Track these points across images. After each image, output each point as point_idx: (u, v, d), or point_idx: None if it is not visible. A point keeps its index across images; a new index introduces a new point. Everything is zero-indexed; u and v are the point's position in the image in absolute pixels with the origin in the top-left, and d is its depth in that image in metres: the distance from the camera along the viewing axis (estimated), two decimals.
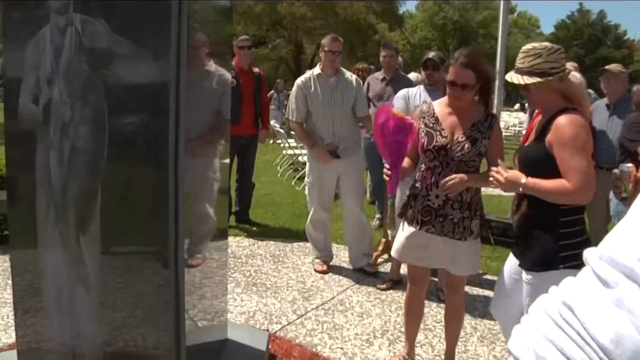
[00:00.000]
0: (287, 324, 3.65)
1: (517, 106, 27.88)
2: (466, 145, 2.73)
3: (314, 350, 3.33)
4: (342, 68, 4.66)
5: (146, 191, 2.03)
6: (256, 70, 6.06)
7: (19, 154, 2.28)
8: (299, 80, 4.67)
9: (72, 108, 2.08)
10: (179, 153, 1.96)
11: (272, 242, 5.55)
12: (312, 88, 4.53)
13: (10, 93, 2.25)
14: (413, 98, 4.20)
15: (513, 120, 18.26)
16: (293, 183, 8.67)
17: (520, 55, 2.36)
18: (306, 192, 4.93)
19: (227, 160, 3.01)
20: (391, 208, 3.32)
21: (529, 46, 2.38)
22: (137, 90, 1.99)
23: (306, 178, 4.90)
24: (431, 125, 2.83)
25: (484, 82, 2.75)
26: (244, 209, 6.19)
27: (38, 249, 2.27)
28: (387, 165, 2.85)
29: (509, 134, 16.90)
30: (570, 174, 2.20)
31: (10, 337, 3.11)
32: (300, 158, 9.15)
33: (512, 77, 2.37)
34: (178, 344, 2.07)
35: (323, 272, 4.67)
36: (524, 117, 19.49)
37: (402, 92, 4.32)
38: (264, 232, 5.92)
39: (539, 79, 2.29)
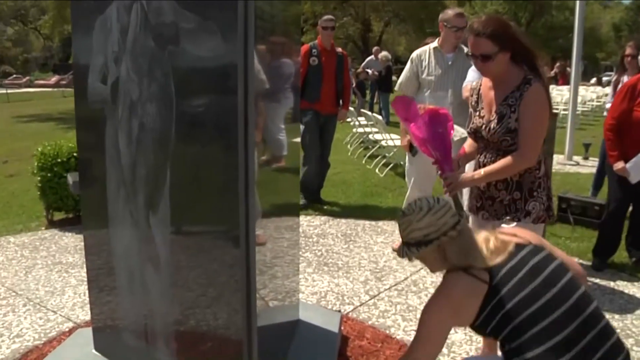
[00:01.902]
0: (359, 305, 3.57)
1: (593, 80, 26.41)
2: (492, 125, 2.50)
3: (387, 332, 3.23)
4: (462, 45, 4.43)
5: (215, 169, 1.97)
6: (339, 50, 5.99)
7: (90, 136, 2.28)
8: (414, 53, 4.49)
9: (140, 86, 2.05)
10: (248, 130, 1.90)
11: (344, 221, 5.47)
12: (426, 61, 4.37)
13: (79, 77, 2.26)
14: None
15: (590, 95, 17.23)
16: (364, 162, 8.55)
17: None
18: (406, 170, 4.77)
19: (297, 139, 2.92)
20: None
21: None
22: (205, 65, 1.93)
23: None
24: (474, 104, 2.65)
25: (515, 48, 2.44)
26: (318, 188, 6.16)
27: (109, 228, 2.28)
28: (435, 165, 2.64)
29: (586, 109, 15.99)
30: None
31: (87, 314, 3.20)
32: (370, 136, 9.01)
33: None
34: (249, 324, 2.03)
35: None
36: (601, 91, 18.44)
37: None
38: (334, 211, 5.85)
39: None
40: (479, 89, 2.64)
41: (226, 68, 1.87)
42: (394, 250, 4.60)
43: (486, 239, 1.94)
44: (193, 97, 1.97)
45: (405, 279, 4.00)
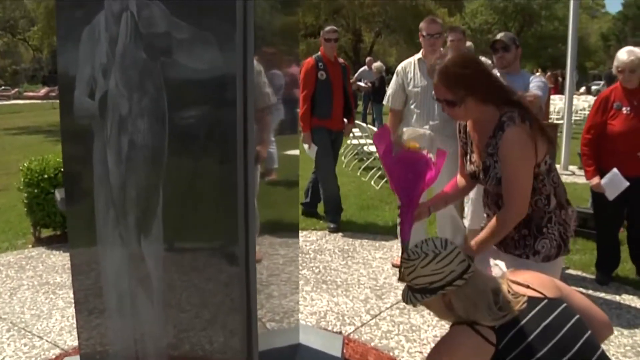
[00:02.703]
0: (361, 325, 3.43)
1: (582, 89, 26.50)
2: (481, 175, 2.27)
3: (391, 354, 3.09)
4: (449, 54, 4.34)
5: (212, 185, 1.84)
6: (341, 61, 5.77)
7: (77, 151, 2.14)
8: (400, 66, 4.47)
9: (130, 100, 1.91)
10: (248, 143, 1.77)
11: (340, 236, 5.33)
12: (412, 73, 4.32)
13: (65, 89, 2.11)
14: None
15: (582, 104, 17.24)
16: (359, 174, 8.43)
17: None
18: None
19: (296, 152, 2.79)
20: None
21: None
22: (200, 77, 1.80)
23: None
24: (463, 144, 2.41)
25: (483, 89, 2.16)
26: (313, 202, 6.02)
27: (98, 248, 2.14)
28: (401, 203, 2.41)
29: (578, 118, 15.98)
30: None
31: (75, 339, 3.03)
32: (365, 148, 8.89)
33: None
34: (250, 347, 1.89)
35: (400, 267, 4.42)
36: (592, 99, 18.46)
37: None
38: (331, 226, 5.68)
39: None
40: (466, 127, 2.38)
41: (224, 79, 1.75)
42: (393, 266, 4.47)
43: (495, 291, 1.76)
44: (187, 111, 1.84)
45: None
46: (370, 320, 3.50)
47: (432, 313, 1.95)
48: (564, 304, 1.75)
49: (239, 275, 1.84)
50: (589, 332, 1.70)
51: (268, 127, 2.18)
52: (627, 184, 3.77)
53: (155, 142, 1.87)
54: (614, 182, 3.81)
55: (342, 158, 9.73)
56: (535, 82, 3.76)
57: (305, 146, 5.44)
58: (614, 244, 4.19)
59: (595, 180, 3.94)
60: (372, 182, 7.77)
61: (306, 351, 2.73)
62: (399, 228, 2.37)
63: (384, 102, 4.66)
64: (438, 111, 4.19)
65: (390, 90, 4.51)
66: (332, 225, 5.52)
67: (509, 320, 1.68)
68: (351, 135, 9.72)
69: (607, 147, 3.93)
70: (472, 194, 3.21)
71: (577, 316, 1.72)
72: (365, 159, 8.64)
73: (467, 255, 1.83)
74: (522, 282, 1.82)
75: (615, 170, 3.80)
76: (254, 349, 1.90)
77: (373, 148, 8.50)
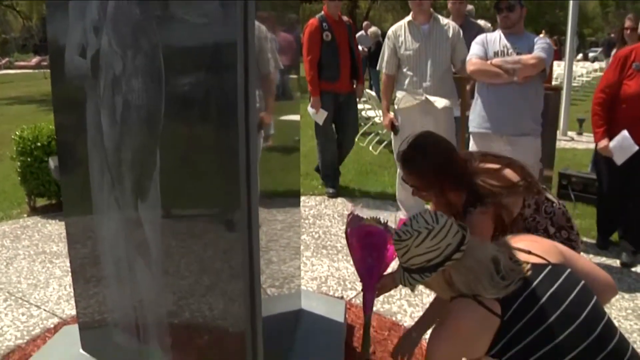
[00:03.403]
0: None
1: (579, 56, 26.22)
2: None
3: (394, 319, 3.07)
4: (438, 15, 4.26)
5: (212, 150, 1.76)
6: (345, 19, 5.52)
7: (69, 117, 2.06)
8: (390, 30, 4.38)
9: (123, 58, 1.82)
10: (249, 107, 1.68)
11: (339, 201, 5.29)
12: (402, 37, 4.24)
13: (55, 54, 2.01)
14: (492, 43, 3.76)
15: (580, 70, 17.01)
16: (356, 139, 8.33)
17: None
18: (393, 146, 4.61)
19: (296, 117, 2.70)
20: (366, 329, 2.42)
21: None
22: (199, 34, 1.70)
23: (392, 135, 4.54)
24: None
25: (442, 177, 2.09)
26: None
27: (94, 215, 2.07)
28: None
29: (576, 84, 15.83)
30: None
31: (73, 307, 2.98)
32: (363, 113, 8.78)
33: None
34: (253, 314, 1.83)
35: None
36: (590, 66, 18.30)
37: (479, 38, 3.88)
38: (330, 191, 5.62)
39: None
40: None
41: (224, 37, 1.65)
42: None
43: (496, 260, 1.67)
44: (186, 71, 1.75)
45: None
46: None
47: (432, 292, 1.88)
48: (568, 270, 1.69)
49: (241, 241, 1.78)
50: (595, 298, 1.65)
51: (272, 92, 2.09)
52: (637, 147, 3.62)
53: (151, 102, 1.78)
54: (623, 146, 3.66)
55: None
56: (540, 44, 3.66)
57: (312, 111, 5.27)
58: (614, 210, 4.13)
59: (604, 142, 3.76)
60: (370, 148, 7.69)
61: (309, 316, 2.69)
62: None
63: (378, 68, 4.53)
64: (431, 72, 4.13)
65: (383, 56, 4.42)
66: (331, 191, 5.46)
67: (514, 290, 1.62)
68: None
69: (619, 109, 3.71)
70: None
71: (583, 282, 1.66)
72: (363, 124, 8.52)
73: (460, 225, 1.74)
74: (523, 248, 1.76)
75: (625, 132, 3.64)
76: (257, 315, 1.85)
77: (371, 113, 8.41)
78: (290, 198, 2.70)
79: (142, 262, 1.99)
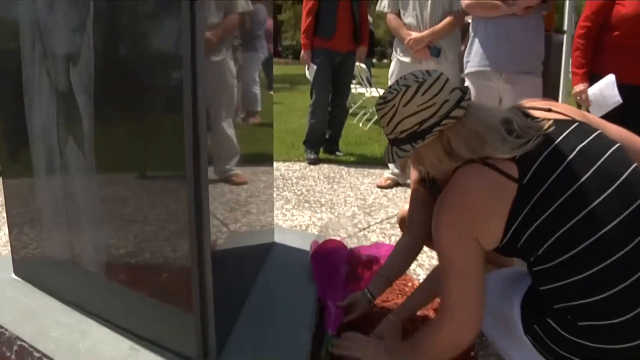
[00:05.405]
0: (346, 237, 3.06)
1: None
2: None
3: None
4: None
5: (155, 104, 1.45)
6: None
7: None
8: None
9: None
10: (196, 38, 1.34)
11: (326, 166, 4.95)
12: None
13: None
14: None
15: None
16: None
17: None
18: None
19: (271, 92, 2.45)
20: (325, 348, 1.76)
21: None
22: None
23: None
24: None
25: None
26: (334, 137, 5.43)
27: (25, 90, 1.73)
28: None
29: None
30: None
31: None
32: (352, 90, 8.44)
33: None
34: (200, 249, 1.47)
35: (387, 187, 4.07)
36: None
37: None
38: (315, 161, 5.25)
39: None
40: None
41: None
42: (378, 186, 4.11)
43: (507, 120, 1.33)
44: None
45: None
46: (358, 232, 3.13)
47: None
48: (599, 130, 1.37)
49: (187, 197, 1.42)
50: (635, 164, 1.31)
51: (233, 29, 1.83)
52: (619, 100, 2.84)
53: None
54: (605, 94, 2.91)
55: None
56: None
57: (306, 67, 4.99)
58: None
59: (581, 86, 3.02)
60: (360, 125, 7.38)
61: (280, 248, 2.36)
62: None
63: (378, 9, 4.16)
64: (431, 15, 3.80)
65: None
66: (312, 157, 5.07)
67: (533, 147, 1.27)
68: None
69: (609, 39, 2.93)
70: None
71: (619, 144, 1.34)
72: (352, 104, 8.19)
73: (459, 87, 1.42)
74: (541, 106, 1.43)
75: (611, 76, 2.89)
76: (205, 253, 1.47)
77: (361, 89, 8.09)
78: (268, 164, 2.45)
79: (77, 151, 1.65)
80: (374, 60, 18.48)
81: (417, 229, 1.98)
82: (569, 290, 1.23)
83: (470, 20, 3.73)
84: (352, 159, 5.27)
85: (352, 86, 8.20)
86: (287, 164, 5.02)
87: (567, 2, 4.29)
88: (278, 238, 2.44)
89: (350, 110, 8.00)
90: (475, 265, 1.34)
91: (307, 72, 5.04)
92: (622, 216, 1.21)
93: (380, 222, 3.31)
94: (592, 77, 3.03)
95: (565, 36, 4.33)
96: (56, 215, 1.79)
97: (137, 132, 1.52)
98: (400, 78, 1.42)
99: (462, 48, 4.05)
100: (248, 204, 2.03)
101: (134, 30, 1.47)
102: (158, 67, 1.43)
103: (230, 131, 1.86)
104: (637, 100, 2.90)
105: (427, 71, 1.39)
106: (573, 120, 1.36)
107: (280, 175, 4.51)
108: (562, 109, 1.41)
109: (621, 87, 2.88)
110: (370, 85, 8.07)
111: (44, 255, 1.90)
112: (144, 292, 1.62)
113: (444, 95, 1.34)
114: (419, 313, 1.99)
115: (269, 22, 2.41)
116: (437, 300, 2.11)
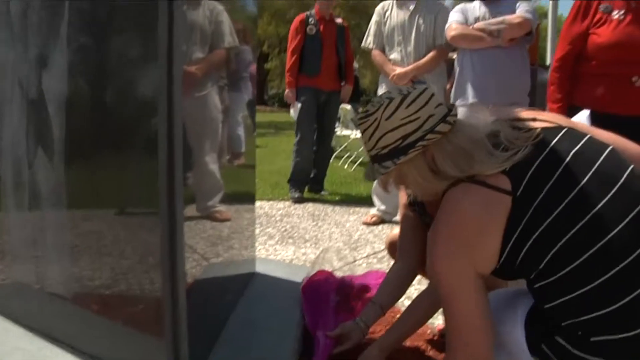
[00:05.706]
0: (332, 271, 2.92)
1: None
2: None
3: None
4: None
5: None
6: (339, 21, 5.21)
7: None
8: (378, 6, 4.11)
9: None
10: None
11: (311, 204, 4.84)
12: (389, 12, 3.97)
13: None
14: (472, 10, 3.46)
15: None
16: (331, 161, 7.95)
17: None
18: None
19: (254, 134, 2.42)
20: None
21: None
22: None
23: None
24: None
25: None
26: (319, 176, 5.32)
27: None
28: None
29: None
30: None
31: None
32: (337, 132, 8.42)
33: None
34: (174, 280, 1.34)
35: (373, 224, 3.96)
36: None
37: (458, 7, 3.58)
38: (298, 197, 5.12)
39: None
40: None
41: None
42: (364, 223, 4.00)
43: (493, 134, 1.25)
44: None
45: (385, 249, 3.37)
46: (344, 267, 2.99)
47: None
48: (589, 135, 1.28)
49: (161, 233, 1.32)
50: (631, 164, 1.23)
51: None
52: None
53: None
54: None
55: None
56: (524, 7, 3.37)
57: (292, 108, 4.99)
58: None
59: None
60: (345, 167, 7.32)
61: (262, 278, 2.23)
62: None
63: (363, 45, 4.17)
64: (415, 49, 3.80)
65: (370, 30, 4.11)
66: (296, 195, 4.96)
67: (523, 157, 1.19)
68: None
69: (586, 69, 2.76)
70: None
71: (612, 146, 1.25)
72: (337, 147, 8.14)
73: (444, 102, 1.34)
74: (526, 117, 1.34)
75: (586, 112, 2.67)
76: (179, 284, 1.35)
77: (346, 132, 8.06)
78: (250, 203, 2.42)
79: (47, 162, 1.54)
80: (360, 109, 18.64)
81: (409, 255, 1.90)
82: (578, 304, 1.12)
83: (455, 57, 3.73)
84: (337, 198, 5.17)
85: (337, 128, 8.20)
86: (271, 202, 4.91)
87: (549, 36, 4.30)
88: (260, 268, 2.32)
89: (335, 153, 7.96)
90: (479, 285, 1.23)
91: (291, 111, 5.00)
92: (628, 218, 1.12)
93: (367, 256, 3.18)
94: (571, 109, 2.96)
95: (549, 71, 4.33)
96: (23, 238, 1.67)
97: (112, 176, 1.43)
98: (385, 92, 1.34)
99: (448, 87, 4.04)
100: (230, 239, 1.95)
101: (111, 57, 1.43)
102: (135, 106, 1.37)
103: (214, 167, 1.77)
104: (614, 128, 2.80)
105: (413, 85, 1.31)
106: (561, 127, 1.28)
107: (264, 212, 4.40)
108: (547, 117, 1.34)
109: (600, 116, 2.81)
110: (356, 127, 8.05)
111: (7, 277, 1.76)
112: (115, 319, 1.49)
113: (429, 109, 1.26)
114: (408, 344, 1.86)
115: (253, 67, 2.40)
116: (425, 330, 1.99)
